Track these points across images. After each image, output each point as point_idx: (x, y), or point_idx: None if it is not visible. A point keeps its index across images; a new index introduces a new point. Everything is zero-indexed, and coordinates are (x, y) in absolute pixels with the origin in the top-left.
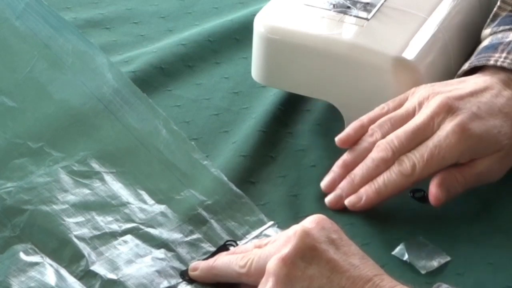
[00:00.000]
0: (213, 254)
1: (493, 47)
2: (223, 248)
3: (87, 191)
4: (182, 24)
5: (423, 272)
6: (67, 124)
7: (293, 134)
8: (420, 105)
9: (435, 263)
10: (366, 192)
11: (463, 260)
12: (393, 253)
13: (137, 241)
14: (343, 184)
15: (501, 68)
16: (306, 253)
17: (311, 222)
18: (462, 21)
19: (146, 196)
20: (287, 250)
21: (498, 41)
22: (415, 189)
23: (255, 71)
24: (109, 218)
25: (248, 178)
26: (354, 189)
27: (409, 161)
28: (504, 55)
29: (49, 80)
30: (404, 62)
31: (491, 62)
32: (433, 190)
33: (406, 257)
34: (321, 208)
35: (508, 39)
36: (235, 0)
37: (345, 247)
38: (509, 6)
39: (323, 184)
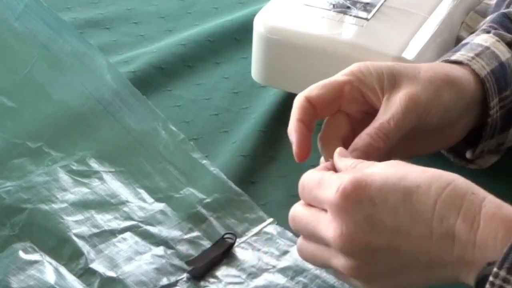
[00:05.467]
0: (211, 249)
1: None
2: (222, 241)
3: (86, 190)
4: (182, 24)
5: None
6: (66, 124)
7: None
8: None
9: None
10: None
11: None
12: None
13: (137, 239)
14: None
15: None
16: (362, 254)
17: (342, 219)
18: (463, 20)
19: (145, 195)
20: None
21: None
22: None
23: (255, 71)
24: (108, 216)
25: (248, 178)
26: None
27: None
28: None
29: (48, 80)
30: (404, 62)
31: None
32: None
33: None
34: None
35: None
36: (235, 0)
37: (386, 215)
38: None
39: None
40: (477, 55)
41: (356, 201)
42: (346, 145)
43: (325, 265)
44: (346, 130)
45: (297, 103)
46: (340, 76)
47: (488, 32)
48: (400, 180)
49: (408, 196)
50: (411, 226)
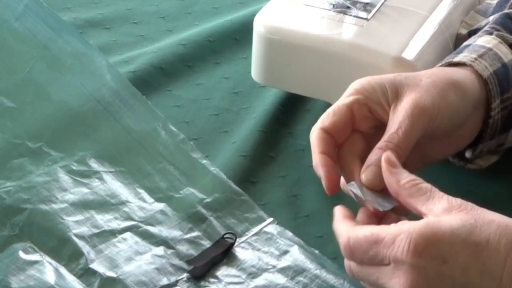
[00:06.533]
0: (211, 248)
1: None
2: (222, 241)
3: (86, 190)
4: (182, 24)
5: None
6: (66, 125)
7: (293, 134)
8: None
9: None
10: None
11: None
12: None
13: (137, 239)
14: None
15: None
16: None
17: (411, 275)
18: (463, 19)
19: (145, 195)
20: None
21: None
22: None
23: (255, 71)
24: (108, 217)
25: (248, 178)
26: None
27: None
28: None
29: (48, 81)
30: (404, 62)
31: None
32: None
33: None
34: (321, 208)
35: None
36: (235, 0)
37: (456, 272)
38: None
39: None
40: (480, 56)
41: (429, 259)
42: (363, 163)
43: None
44: (362, 147)
45: (315, 135)
46: (345, 98)
47: (491, 33)
48: (470, 236)
49: (479, 252)
50: (480, 283)
